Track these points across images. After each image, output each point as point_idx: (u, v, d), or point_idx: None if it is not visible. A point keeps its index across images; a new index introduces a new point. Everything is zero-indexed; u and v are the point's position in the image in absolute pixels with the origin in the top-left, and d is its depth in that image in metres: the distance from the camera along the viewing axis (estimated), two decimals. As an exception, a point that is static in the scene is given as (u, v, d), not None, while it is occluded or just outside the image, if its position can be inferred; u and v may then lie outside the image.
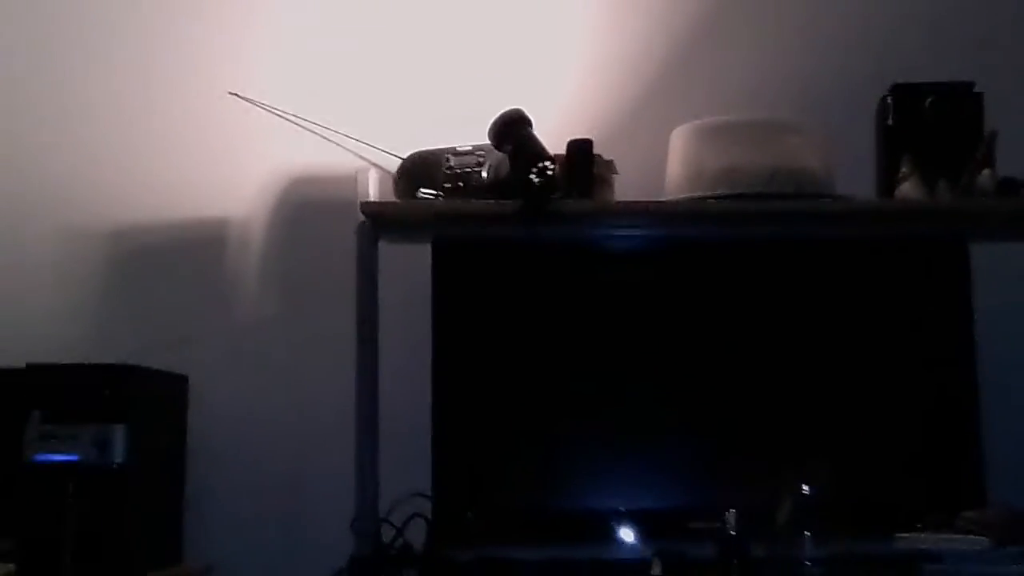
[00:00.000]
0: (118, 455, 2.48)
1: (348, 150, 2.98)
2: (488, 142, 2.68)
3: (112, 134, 3.03)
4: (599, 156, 2.73)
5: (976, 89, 2.77)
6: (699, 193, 2.69)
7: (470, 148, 2.73)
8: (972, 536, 2.39)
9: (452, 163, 2.72)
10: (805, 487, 2.42)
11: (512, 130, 2.66)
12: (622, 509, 2.69)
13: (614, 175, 2.77)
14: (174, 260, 3.00)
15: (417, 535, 2.54)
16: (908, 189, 2.69)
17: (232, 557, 2.83)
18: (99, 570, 2.44)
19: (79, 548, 2.45)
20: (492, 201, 2.65)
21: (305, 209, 3.01)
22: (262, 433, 2.92)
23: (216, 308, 2.98)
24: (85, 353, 2.69)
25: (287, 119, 2.99)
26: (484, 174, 2.71)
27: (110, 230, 3.00)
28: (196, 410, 2.83)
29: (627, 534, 2.67)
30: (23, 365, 2.55)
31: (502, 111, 2.67)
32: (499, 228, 2.71)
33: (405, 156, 2.77)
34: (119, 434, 2.49)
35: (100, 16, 3.05)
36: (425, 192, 2.69)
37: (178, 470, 2.78)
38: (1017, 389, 2.84)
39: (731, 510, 2.51)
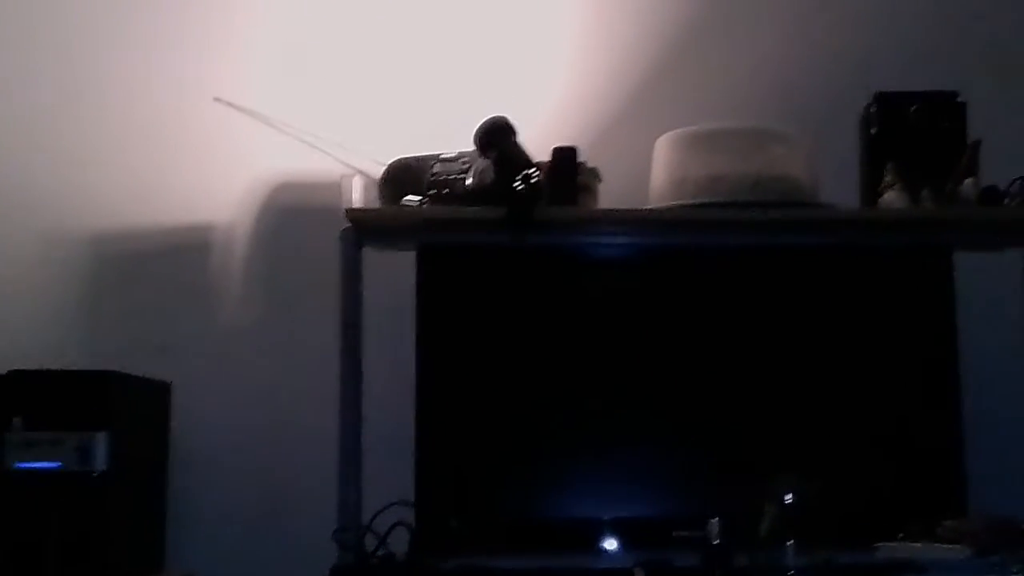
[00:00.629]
0: (100, 462, 2.47)
1: (333, 156, 2.97)
2: (473, 149, 2.68)
3: (96, 138, 3.02)
4: (584, 164, 2.73)
5: (959, 98, 2.78)
6: (683, 201, 2.70)
7: (455, 155, 2.74)
8: (953, 545, 2.39)
9: (437, 170, 2.72)
10: (788, 496, 2.42)
11: (497, 137, 2.66)
12: (606, 518, 2.70)
13: (598, 183, 2.77)
14: (158, 266, 2.98)
15: (400, 544, 2.53)
16: (892, 198, 2.70)
17: (214, 565, 2.81)
18: (81, 578, 2.44)
19: (61, 556, 2.44)
20: (477, 208, 2.66)
21: (290, 215, 3.00)
22: (245, 440, 2.91)
23: (200, 314, 2.97)
24: (67, 360, 2.69)
25: (273, 125, 2.98)
26: (469, 181, 2.71)
27: (93, 235, 2.99)
28: (179, 417, 2.82)
29: (610, 543, 2.68)
30: (5, 372, 2.52)
31: (487, 118, 2.67)
32: (484, 235, 2.71)
33: (390, 162, 2.77)
34: (101, 441, 2.48)
35: (83, 21, 3.04)
36: (409, 199, 2.69)
37: (160, 478, 2.77)
38: (998, 398, 2.84)
39: (714, 519, 2.51)
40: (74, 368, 2.55)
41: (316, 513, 2.67)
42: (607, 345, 2.77)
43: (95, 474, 2.47)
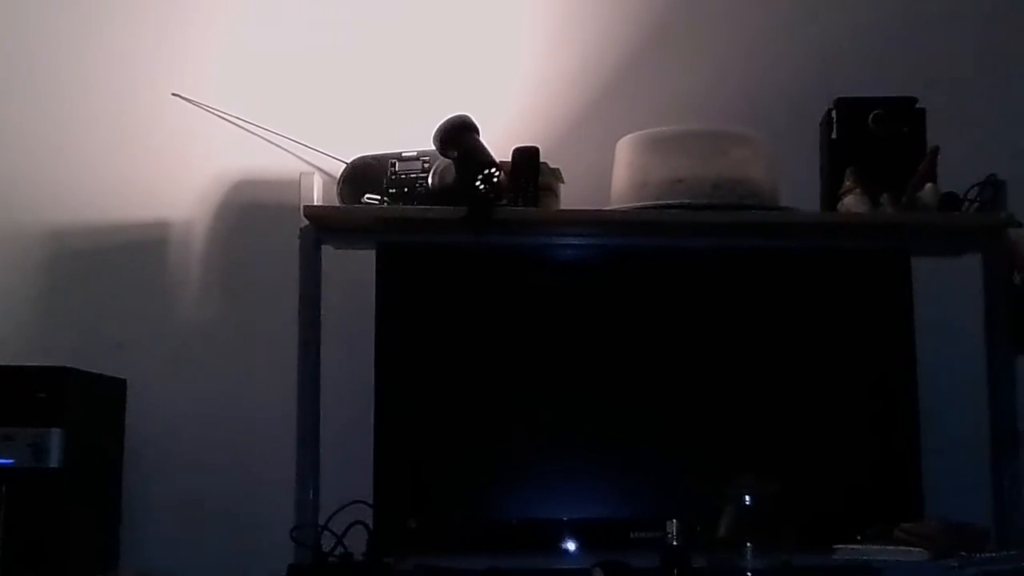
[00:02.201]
0: (54, 459, 2.44)
1: (292, 154, 2.96)
2: (433, 148, 2.68)
3: (53, 134, 2.98)
4: (545, 164, 2.73)
5: (919, 104, 2.80)
6: (644, 203, 2.70)
7: (415, 154, 2.73)
8: (911, 548, 2.41)
9: (397, 168, 2.72)
10: (746, 498, 2.43)
11: (458, 136, 2.66)
12: (564, 519, 2.70)
13: (560, 183, 2.77)
14: (115, 262, 2.95)
15: (358, 543, 2.52)
16: (851, 202, 2.72)
17: (169, 564, 2.79)
18: (33, 576, 2.41)
19: (13, 554, 2.40)
20: (437, 207, 2.65)
21: (248, 212, 2.98)
22: (201, 438, 2.88)
23: (157, 311, 2.94)
24: (22, 355, 2.65)
25: (231, 121, 2.96)
26: (429, 180, 2.70)
27: (50, 231, 2.96)
28: (135, 414, 2.78)
29: (569, 544, 2.68)
30: (-42, 367, 2.50)
31: (448, 117, 2.66)
32: (444, 235, 2.70)
33: (350, 161, 2.76)
34: (55, 438, 2.44)
35: (42, 16, 3.01)
36: (370, 197, 2.68)
37: (115, 475, 2.74)
38: (954, 402, 2.86)
39: (673, 520, 2.51)
40: (29, 364, 2.51)
41: (273, 511, 2.67)
42: (566, 346, 2.77)
43: (49, 471, 2.43)
